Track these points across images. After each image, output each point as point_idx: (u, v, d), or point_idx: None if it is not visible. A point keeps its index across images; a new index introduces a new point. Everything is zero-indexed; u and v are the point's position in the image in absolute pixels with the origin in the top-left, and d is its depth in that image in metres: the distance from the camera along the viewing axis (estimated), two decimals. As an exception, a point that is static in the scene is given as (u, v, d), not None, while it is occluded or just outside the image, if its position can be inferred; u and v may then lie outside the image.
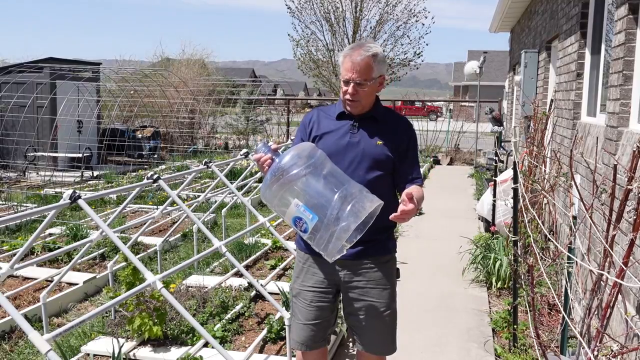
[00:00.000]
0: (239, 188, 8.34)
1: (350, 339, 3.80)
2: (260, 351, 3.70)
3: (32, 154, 11.46)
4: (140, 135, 14.05)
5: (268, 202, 2.23)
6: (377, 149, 2.43)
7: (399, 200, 2.30)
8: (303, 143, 2.34)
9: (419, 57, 19.40)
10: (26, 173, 11.12)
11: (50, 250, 5.70)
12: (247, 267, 5.44)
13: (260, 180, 9.44)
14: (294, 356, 2.86)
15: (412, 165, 2.52)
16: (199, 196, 8.21)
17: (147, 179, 3.81)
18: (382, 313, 2.48)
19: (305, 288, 2.53)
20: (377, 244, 2.45)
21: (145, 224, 5.51)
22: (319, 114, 2.57)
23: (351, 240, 2.16)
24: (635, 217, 2.34)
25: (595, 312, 2.69)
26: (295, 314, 2.58)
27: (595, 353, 2.50)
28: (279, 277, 5.19)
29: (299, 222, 2.14)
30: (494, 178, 6.42)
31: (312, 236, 2.15)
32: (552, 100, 6.56)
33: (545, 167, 5.39)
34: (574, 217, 3.21)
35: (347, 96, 2.41)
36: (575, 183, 2.93)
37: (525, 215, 4.50)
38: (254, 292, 4.59)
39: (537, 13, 8.30)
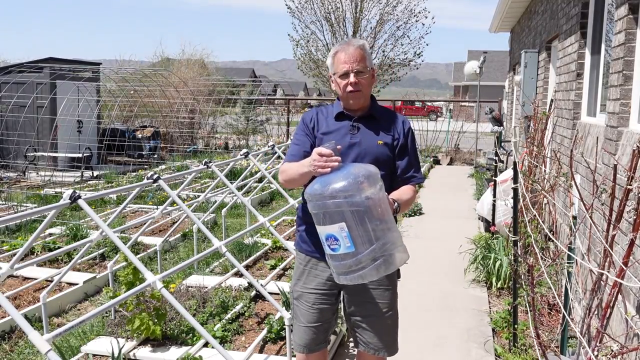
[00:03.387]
0: (239, 188, 8.33)
1: (351, 340, 3.79)
2: (260, 351, 3.70)
3: (32, 154, 11.46)
4: (140, 135, 14.05)
5: (314, 202, 2.13)
6: (379, 148, 2.42)
7: None
8: (371, 166, 2.21)
9: (419, 57, 19.39)
10: (26, 173, 11.12)
11: (50, 250, 5.70)
12: (247, 267, 5.44)
13: (260, 180, 9.43)
14: (294, 356, 2.86)
15: (409, 162, 2.51)
16: (199, 196, 8.21)
17: (147, 179, 3.81)
18: (385, 313, 2.48)
19: (307, 290, 2.52)
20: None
21: (145, 224, 5.51)
22: (318, 113, 2.55)
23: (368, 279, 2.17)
24: (635, 217, 2.34)
25: (595, 312, 2.69)
26: (297, 317, 2.56)
27: (595, 353, 2.50)
28: (279, 277, 5.19)
29: (333, 241, 2.10)
30: (494, 178, 6.41)
31: (335, 256, 2.13)
32: (552, 100, 6.56)
33: (545, 167, 5.39)
34: (574, 217, 3.21)
35: (350, 87, 2.39)
36: (575, 183, 2.93)
37: (525, 215, 4.50)
38: (254, 292, 4.59)
39: (537, 13, 8.30)
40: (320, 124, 2.50)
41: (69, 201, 2.97)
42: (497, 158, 7.01)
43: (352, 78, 2.38)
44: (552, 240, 3.80)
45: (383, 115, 2.52)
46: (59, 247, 5.65)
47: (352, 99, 2.44)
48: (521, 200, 4.16)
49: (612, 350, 2.29)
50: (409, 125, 2.56)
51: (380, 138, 2.44)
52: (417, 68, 19.65)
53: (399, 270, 2.58)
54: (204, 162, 4.70)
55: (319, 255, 2.47)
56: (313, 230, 2.48)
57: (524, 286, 4.28)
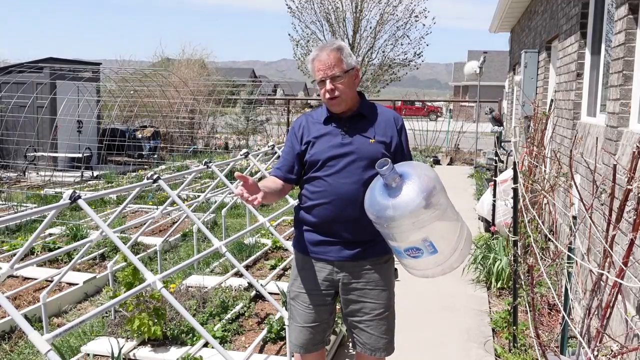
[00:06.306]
0: (239, 188, 8.32)
1: (349, 340, 3.79)
2: (260, 351, 3.70)
3: (32, 154, 11.46)
4: (140, 135, 14.05)
5: (388, 225, 2.11)
6: (371, 147, 2.41)
7: None
8: (432, 172, 2.22)
9: (419, 57, 19.43)
10: (26, 173, 11.12)
11: (50, 250, 5.70)
12: (247, 267, 5.44)
13: (260, 181, 9.42)
14: (294, 357, 2.86)
15: (405, 159, 2.48)
16: (199, 196, 8.21)
17: (147, 179, 3.81)
18: (381, 314, 2.48)
19: (303, 290, 2.51)
20: (375, 244, 2.43)
21: (145, 224, 5.51)
22: (307, 119, 2.54)
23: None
24: (635, 217, 2.33)
25: (595, 312, 2.69)
26: (294, 317, 2.56)
27: (595, 353, 2.50)
28: (279, 277, 5.19)
29: (414, 251, 2.13)
30: (494, 178, 6.42)
31: (417, 261, 2.18)
32: (552, 100, 6.56)
33: (545, 167, 5.39)
34: (574, 217, 3.21)
35: (327, 95, 2.38)
36: (575, 183, 2.93)
37: (525, 215, 4.50)
38: (254, 292, 4.59)
39: (537, 13, 8.30)
40: (311, 129, 2.49)
41: (69, 201, 2.97)
42: (497, 158, 7.01)
43: (328, 85, 2.37)
44: (552, 241, 3.80)
45: (373, 113, 2.50)
46: (59, 247, 5.65)
47: (332, 105, 2.43)
48: (521, 201, 4.16)
49: (612, 351, 2.29)
50: (401, 121, 2.55)
51: (372, 136, 2.43)
52: (417, 68, 19.70)
53: (396, 270, 2.58)
54: (204, 162, 4.70)
55: (316, 255, 2.47)
56: (310, 230, 2.48)
57: (523, 286, 4.27)
